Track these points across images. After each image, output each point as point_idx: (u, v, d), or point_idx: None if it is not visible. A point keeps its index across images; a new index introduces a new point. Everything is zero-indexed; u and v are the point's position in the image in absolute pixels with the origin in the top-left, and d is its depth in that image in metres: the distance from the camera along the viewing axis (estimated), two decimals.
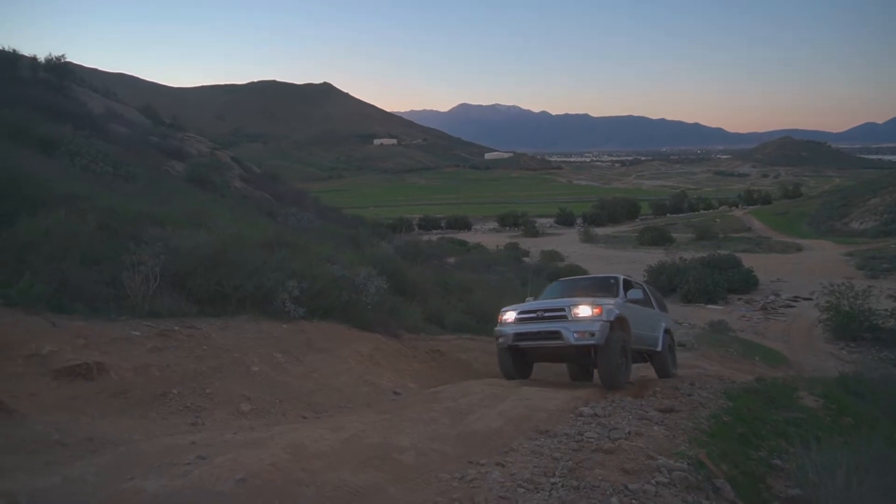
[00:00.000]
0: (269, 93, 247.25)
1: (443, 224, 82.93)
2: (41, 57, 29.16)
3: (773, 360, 19.59)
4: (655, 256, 44.11)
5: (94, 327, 6.51)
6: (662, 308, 11.43)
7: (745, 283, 37.35)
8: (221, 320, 7.64)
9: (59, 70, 29.21)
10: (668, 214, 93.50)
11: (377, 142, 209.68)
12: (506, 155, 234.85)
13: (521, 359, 8.97)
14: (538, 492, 4.65)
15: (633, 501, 4.71)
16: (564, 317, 8.32)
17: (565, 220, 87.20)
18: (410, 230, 72.82)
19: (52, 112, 21.31)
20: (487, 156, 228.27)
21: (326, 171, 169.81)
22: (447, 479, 4.70)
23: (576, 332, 8.10)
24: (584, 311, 8.28)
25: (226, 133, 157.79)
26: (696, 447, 6.50)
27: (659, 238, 61.54)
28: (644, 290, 10.42)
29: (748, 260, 41.27)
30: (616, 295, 9.35)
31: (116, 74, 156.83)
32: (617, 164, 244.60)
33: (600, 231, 73.79)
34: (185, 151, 28.40)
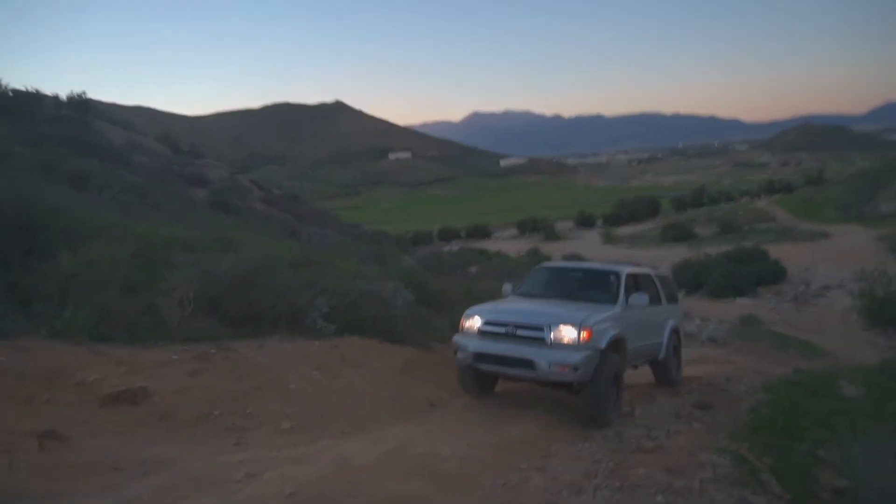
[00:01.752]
0: (282, 115, 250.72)
1: (462, 234, 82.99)
2: (63, 95, 30.13)
3: (809, 351, 19.22)
4: (679, 253, 43.62)
5: (135, 354, 6.68)
6: (672, 299, 9.47)
7: (773, 275, 36.70)
8: (256, 341, 7.78)
9: (81, 106, 30.14)
10: (688, 210, 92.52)
11: (392, 156, 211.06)
12: (521, 161, 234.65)
13: (483, 377, 7.21)
14: (581, 494, 4.67)
15: (679, 499, 4.70)
16: (542, 339, 6.42)
17: (585, 222, 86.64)
18: (430, 242, 73.01)
19: (77, 147, 21.97)
20: (503, 163, 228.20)
21: (344, 188, 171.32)
22: (490, 486, 4.74)
23: (554, 363, 6.25)
24: (568, 333, 6.36)
25: (243, 157, 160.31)
26: (738, 442, 6.46)
27: (682, 234, 60.80)
28: (653, 284, 8.63)
29: (775, 251, 40.58)
30: (615, 300, 7.35)
31: (134, 107, 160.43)
32: (634, 163, 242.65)
33: (622, 231, 73.19)
34: (206, 178, 29.00)
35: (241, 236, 12.87)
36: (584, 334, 6.34)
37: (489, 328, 6.77)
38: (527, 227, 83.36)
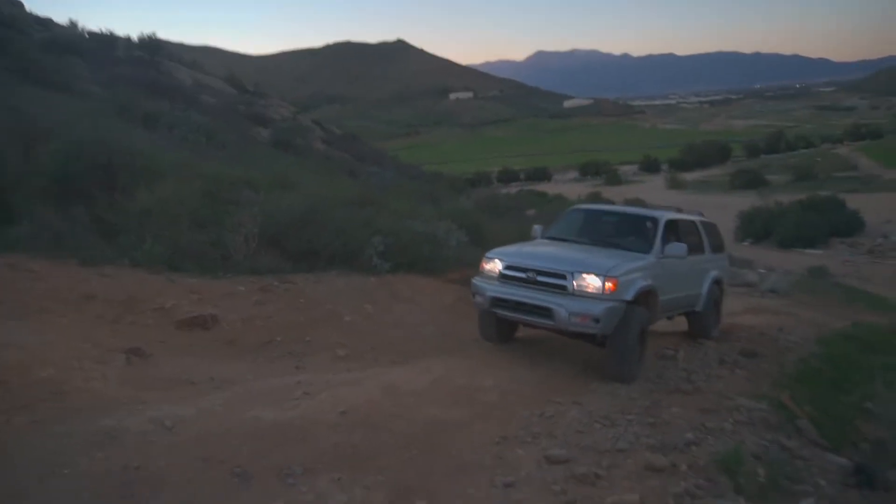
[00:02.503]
0: (345, 54, 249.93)
1: (522, 176, 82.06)
2: (134, 36, 31.12)
3: (879, 306, 18.46)
4: (748, 201, 41.87)
5: (205, 284, 7.27)
6: (717, 248, 8.73)
7: (850, 226, 34.88)
8: (314, 275, 8.26)
9: (151, 47, 31.06)
10: (762, 156, 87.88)
11: (453, 96, 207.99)
12: (585, 102, 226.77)
13: (502, 323, 6.89)
14: (614, 427, 4.91)
15: (709, 437, 4.88)
16: (564, 287, 6.01)
17: (650, 166, 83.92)
18: (489, 184, 72.62)
19: (148, 87, 22.83)
20: (566, 104, 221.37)
21: (404, 128, 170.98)
22: (527, 416, 5.05)
23: (574, 313, 5.86)
24: (592, 282, 5.94)
25: (306, 97, 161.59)
26: (780, 390, 6.51)
27: (752, 181, 58.13)
28: (696, 232, 8.04)
29: (853, 201, 38.36)
30: (649, 248, 6.80)
31: (201, 47, 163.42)
32: (705, 105, 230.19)
33: (688, 176, 70.57)
34: (269, 117, 29.64)
35: (301, 176, 13.34)
36: (609, 284, 5.90)
37: (509, 272, 6.37)
38: (588, 170, 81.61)
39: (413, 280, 8.71)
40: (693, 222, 8.19)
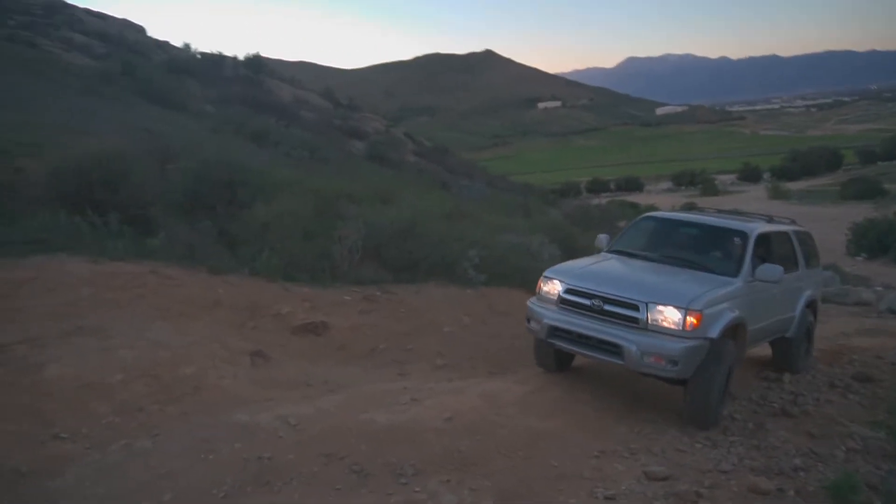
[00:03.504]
0: (432, 66, 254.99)
1: (612, 186, 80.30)
2: (240, 55, 33.48)
3: None
4: (862, 212, 38.89)
5: (315, 293, 7.82)
6: (812, 263, 7.48)
7: None
8: (414, 286, 8.65)
9: (255, 65, 33.36)
10: (878, 163, 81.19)
11: (541, 105, 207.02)
12: (679, 109, 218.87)
13: (562, 351, 5.89)
14: (716, 448, 4.89)
15: (819, 464, 4.75)
16: (636, 320, 5.15)
17: (750, 175, 79.60)
18: (578, 194, 71.61)
19: (253, 104, 24.55)
20: (659, 111, 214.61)
21: (491, 139, 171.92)
22: (625, 432, 5.11)
23: (648, 352, 5.02)
24: (671, 316, 5.06)
25: (394, 109, 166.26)
26: None
27: (867, 190, 53.78)
28: (789, 245, 6.93)
29: None
30: (737, 270, 5.76)
31: (298, 62, 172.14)
32: (813, 109, 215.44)
33: (793, 186, 66.42)
34: (363, 131, 30.93)
35: (399, 189, 13.91)
36: (691, 319, 4.99)
37: (571, 297, 5.50)
38: (683, 179, 78.60)
39: (507, 293, 8.90)
40: (786, 234, 7.02)
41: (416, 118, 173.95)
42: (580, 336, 5.37)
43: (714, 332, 5.11)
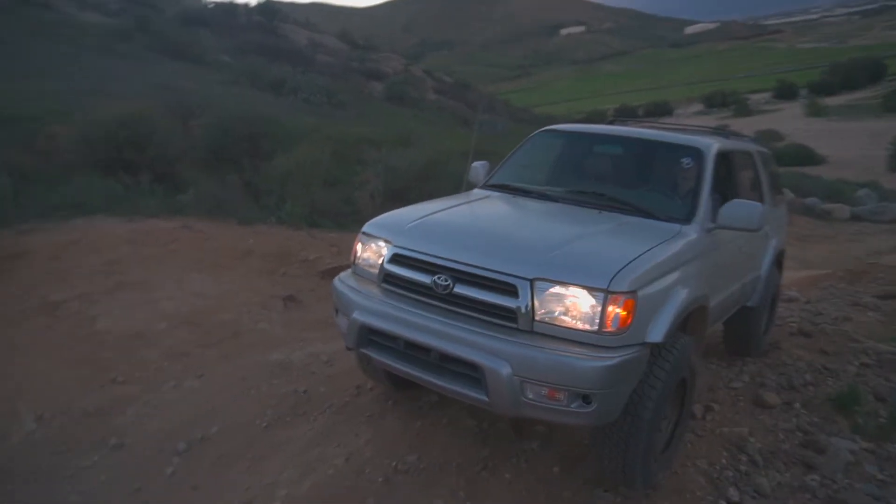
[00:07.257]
0: None
1: (640, 112, 78.10)
2: (252, 1, 33.00)
3: None
4: None
5: (340, 238, 8.09)
6: (777, 198, 5.49)
7: None
8: None
9: (268, 11, 32.88)
10: None
11: (564, 32, 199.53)
12: (710, 26, 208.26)
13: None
14: (730, 367, 5.08)
15: (829, 379, 4.91)
16: (511, 312, 2.75)
17: (785, 92, 76.46)
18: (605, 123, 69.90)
19: (268, 52, 24.38)
20: (688, 30, 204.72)
21: (514, 70, 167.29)
22: None
23: (534, 379, 2.66)
24: (578, 303, 2.70)
25: (413, 45, 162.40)
26: None
27: None
28: (754, 170, 4.80)
29: None
30: (691, 212, 3.52)
31: (311, 4, 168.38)
32: (855, 17, 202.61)
33: (831, 101, 63.64)
34: (382, 71, 30.53)
35: (417, 130, 13.95)
36: (616, 309, 2.67)
37: (399, 271, 3.16)
38: (714, 101, 76.06)
39: None
40: (749, 154, 4.82)
41: (435, 53, 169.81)
42: (411, 346, 2.99)
43: (658, 332, 2.83)
